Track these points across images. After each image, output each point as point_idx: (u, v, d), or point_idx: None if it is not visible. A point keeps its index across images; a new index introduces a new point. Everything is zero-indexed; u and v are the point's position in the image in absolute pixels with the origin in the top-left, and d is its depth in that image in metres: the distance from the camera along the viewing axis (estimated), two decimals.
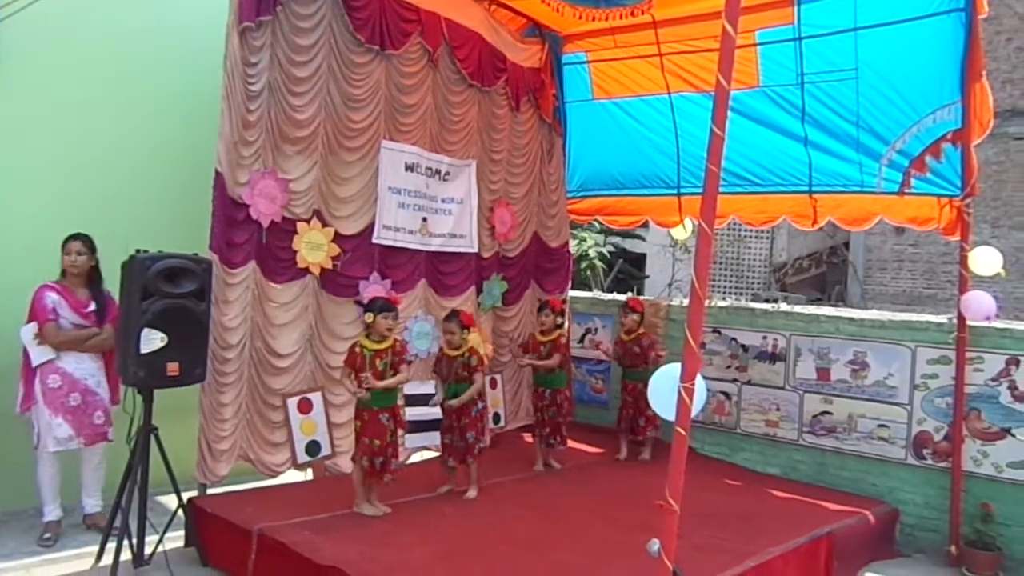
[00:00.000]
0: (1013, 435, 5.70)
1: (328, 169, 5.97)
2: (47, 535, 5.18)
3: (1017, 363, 5.83)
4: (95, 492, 5.35)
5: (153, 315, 4.46)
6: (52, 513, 5.25)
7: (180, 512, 4.87)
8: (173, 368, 4.57)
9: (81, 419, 5.14)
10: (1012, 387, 5.84)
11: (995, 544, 5.67)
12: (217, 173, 5.21)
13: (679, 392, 3.12)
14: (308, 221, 5.83)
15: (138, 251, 4.54)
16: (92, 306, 5.25)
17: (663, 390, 3.25)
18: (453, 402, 5.53)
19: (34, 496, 5.38)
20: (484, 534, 4.88)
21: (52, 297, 5.14)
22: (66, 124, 5.78)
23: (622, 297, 8.68)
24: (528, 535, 4.91)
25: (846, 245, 17.12)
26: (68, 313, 5.18)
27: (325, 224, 5.95)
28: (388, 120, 6.34)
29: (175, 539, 4.92)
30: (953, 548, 5.85)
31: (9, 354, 5.31)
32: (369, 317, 5.11)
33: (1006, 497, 5.79)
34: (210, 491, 5.27)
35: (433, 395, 5.86)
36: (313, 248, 5.87)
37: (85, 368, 5.23)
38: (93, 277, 5.31)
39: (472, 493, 5.65)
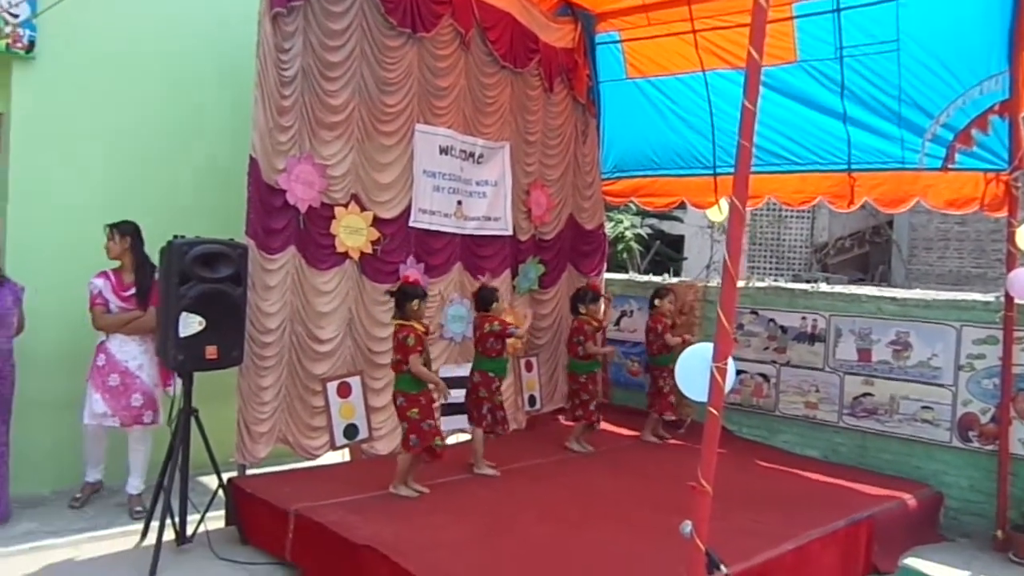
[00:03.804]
0: None
1: (365, 153, 5.99)
2: (78, 495, 5.48)
3: None
4: (136, 474, 5.49)
5: (191, 299, 4.54)
6: (89, 476, 5.55)
7: (220, 492, 4.96)
8: (211, 351, 4.65)
9: (118, 399, 5.28)
10: None
11: None
12: (252, 160, 5.25)
13: (711, 372, 3.08)
14: (346, 206, 5.87)
15: (176, 237, 4.62)
16: (132, 290, 5.36)
17: (690, 370, 3.21)
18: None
19: (80, 476, 5.63)
20: (518, 514, 4.90)
21: (97, 283, 5.31)
22: (105, 115, 5.88)
23: (658, 279, 8.63)
24: (562, 515, 4.92)
25: (890, 224, 16.77)
26: (112, 297, 5.33)
27: (363, 208, 5.98)
28: (422, 103, 6.35)
29: (216, 519, 5.01)
30: (999, 533, 5.72)
31: (65, 342, 5.50)
32: (416, 304, 5.14)
33: None
34: (249, 472, 5.36)
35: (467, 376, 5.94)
36: (352, 232, 5.91)
37: (128, 351, 5.35)
38: (139, 262, 5.43)
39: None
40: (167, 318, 4.57)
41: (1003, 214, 6.11)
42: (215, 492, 4.93)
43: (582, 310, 6.70)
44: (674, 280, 8.57)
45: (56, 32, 5.53)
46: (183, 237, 4.62)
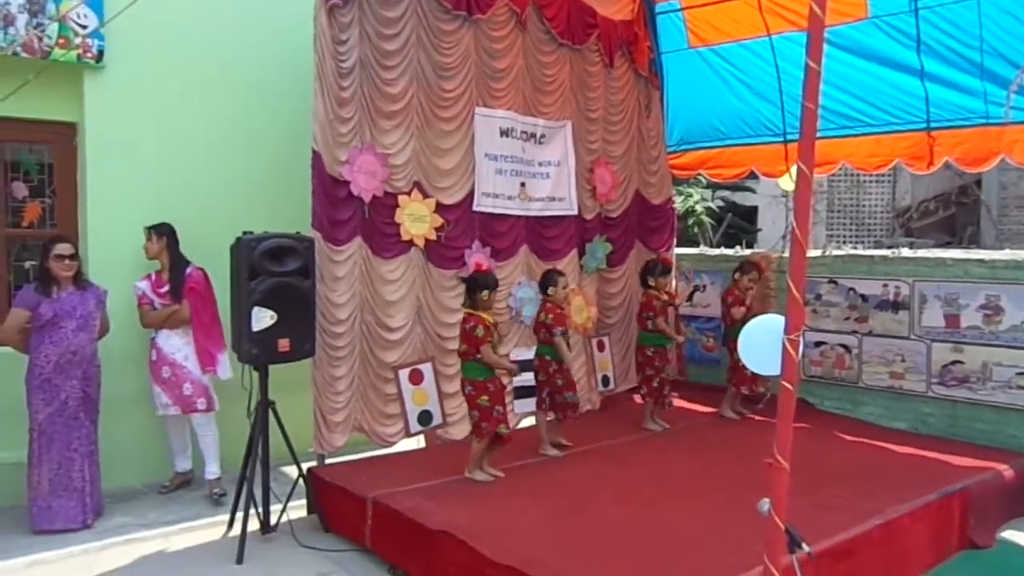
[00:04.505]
0: None
1: (425, 140, 6.00)
2: (166, 483, 5.83)
3: None
4: (210, 460, 5.74)
5: (262, 294, 4.64)
6: (177, 465, 5.89)
7: (301, 482, 5.08)
8: (284, 344, 4.75)
9: (174, 390, 5.57)
10: None
11: None
12: (315, 152, 5.31)
13: (781, 344, 2.96)
14: (409, 193, 5.89)
15: (244, 233, 4.71)
16: (167, 287, 5.60)
17: (753, 343, 3.09)
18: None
19: (171, 468, 5.91)
20: (594, 496, 4.86)
21: (141, 285, 5.63)
22: (173, 122, 6.04)
23: (730, 252, 8.43)
24: (637, 495, 4.87)
25: (978, 184, 16.00)
26: (153, 296, 5.62)
27: (426, 195, 6.00)
28: (480, 86, 6.31)
29: (298, 508, 5.14)
30: None
31: (128, 340, 5.71)
32: (485, 295, 5.13)
33: None
34: (328, 461, 5.47)
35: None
36: (416, 220, 5.93)
37: (172, 344, 5.61)
38: (174, 260, 5.67)
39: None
40: (239, 313, 4.68)
41: None
42: (296, 482, 5.05)
43: (651, 283, 6.60)
44: (747, 252, 8.36)
45: (123, 41, 5.70)
46: (251, 233, 4.71)
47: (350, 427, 5.58)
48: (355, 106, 5.54)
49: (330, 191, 5.42)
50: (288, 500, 4.93)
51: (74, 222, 5.93)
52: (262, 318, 4.64)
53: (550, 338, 5.70)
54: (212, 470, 5.72)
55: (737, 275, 6.94)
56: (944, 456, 5.74)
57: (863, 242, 15.90)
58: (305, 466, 5.16)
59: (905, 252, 7.02)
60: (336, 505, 5.02)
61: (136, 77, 5.87)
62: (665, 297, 6.64)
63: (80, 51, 5.54)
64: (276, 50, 6.39)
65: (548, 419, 5.86)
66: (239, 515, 4.73)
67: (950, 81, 6.33)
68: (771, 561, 2.99)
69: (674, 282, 7.15)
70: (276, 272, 4.72)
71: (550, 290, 5.79)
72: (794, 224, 3.00)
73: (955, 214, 16.93)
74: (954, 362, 6.38)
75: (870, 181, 17.09)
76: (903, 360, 6.68)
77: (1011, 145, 6.18)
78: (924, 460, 5.70)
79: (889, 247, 10.19)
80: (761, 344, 3.01)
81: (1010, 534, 5.22)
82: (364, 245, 5.66)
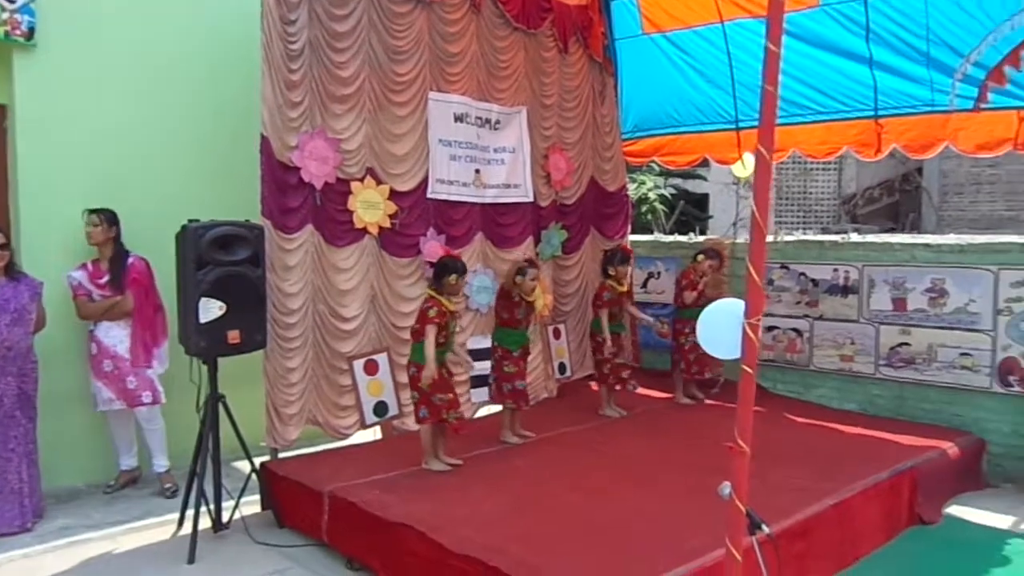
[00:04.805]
0: None
1: (378, 125, 5.88)
2: (111, 482, 5.62)
3: None
4: (158, 453, 5.59)
5: (209, 284, 4.50)
6: (122, 463, 5.69)
7: (254, 477, 4.96)
8: (234, 336, 4.62)
9: (117, 384, 5.39)
10: None
11: None
12: (263, 138, 5.17)
13: (741, 329, 2.96)
14: (362, 180, 5.78)
15: (190, 221, 4.56)
16: (107, 277, 5.40)
17: (713, 327, 3.08)
18: None
19: (116, 467, 5.70)
20: (554, 484, 4.84)
21: (76, 275, 5.39)
22: (110, 104, 5.78)
23: (684, 239, 8.48)
24: (598, 483, 4.86)
25: (919, 171, 16.40)
26: (91, 287, 5.40)
27: (379, 182, 5.89)
28: (434, 71, 6.21)
29: (251, 503, 5.02)
30: None
31: (66, 333, 5.48)
32: (453, 279, 5.06)
33: None
34: (281, 455, 5.35)
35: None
36: (369, 207, 5.82)
37: (114, 336, 5.42)
38: (118, 250, 5.47)
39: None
40: (186, 304, 4.53)
41: None
42: (248, 477, 4.94)
43: (610, 272, 6.58)
44: (701, 239, 8.41)
45: (57, 17, 5.42)
46: (197, 221, 4.56)
47: (304, 420, 5.47)
48: (305, 90, 5.40)
49: (280, 178, 5.29)
50: (241, 496, 4.81)
51: (4, 210, 5.63)
52: (210, 309, 4.51)
53: (509, 324, 5.66)
54: (161, 463, 5.58)
55: (700, 257, 6.96)
56: (893, 436, 5.86)
57: (811, 228, 16.20)
58: (258, 461, 5.04)
59: (854, 237, 7.14)
60: (291, 500, 4.91)
61: (71, 56, 5.57)
62: (621, 288, 6.62)
63: (8, 28, 5.24)
64: (224, 28, 6.17)
65: (503, 409, 5.84)
66: (189, 513, 4.59)
67: (897, 69, 6.42)
68: (732, 544, 3.00)
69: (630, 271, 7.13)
70: (225, 261, 4.59)
71: (517, 278, 5.75)
72: (754, 208, 2.99)
73: (898, 201, 17.33)
74: (901, 344, 6.52)
75: (817, 169, 17.40)
76: (853, 343, 6.81)
77: (955, 133, 6.30)
78: (874, 440, 5.81)
79: (836, 233, 10.38)
80: (721, 328, 3.00)
81: (955, 509, 5.36)
82: (316, 233, 5.54)
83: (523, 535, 3.97)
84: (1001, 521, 5.13)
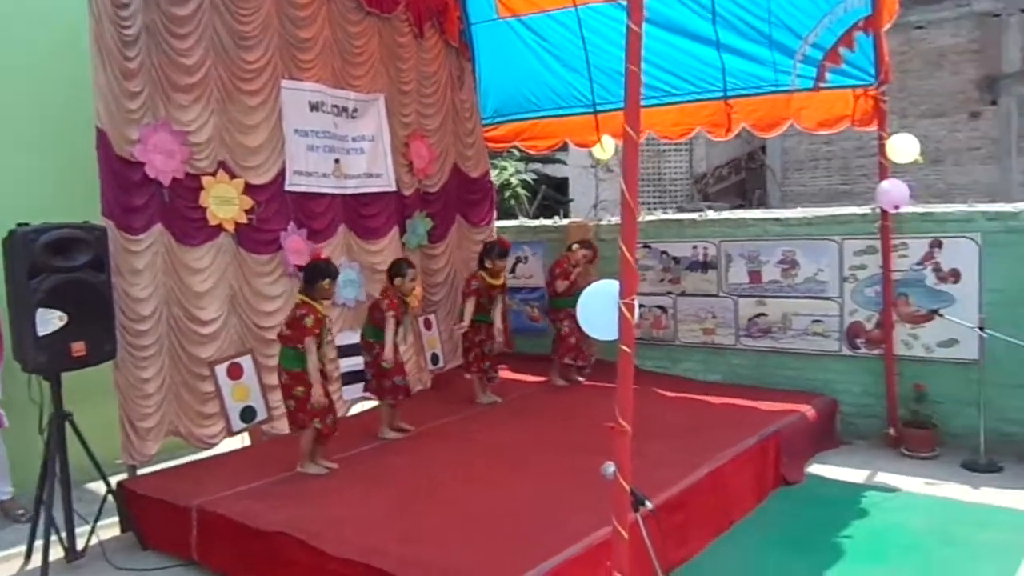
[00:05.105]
0: (940, 315, 5.81)
1: (228, 116, 5.58)
2: None
3: (940, 245, 5.92)
4: (1, 479, 5.11)
5: (45, 293, 4.09)
6: None
7: (110, 498, 4.59)
8: (79, 348, 4.23)
9: None
10: (936, 269, 5.94)
11: (930, 421, 5.85)
12: (99, 131, 4.78)
13: (617, 309, 2.97)
14: (214, 174, 5.46)
15: (19, 225, 4.14)
16: None
17: (593, 310, 3.08)
18: None
19: None
20: (435, 477, 4.75)
21: None
22: None
23: (550, 223, 8.55)
24: (479, 472, 4.82)
25: (763, 149, 17.31)
26: None
27: (233, 176, 5.58)
28: (285, 58, 5.95)
29: (110, 527, 4.68)
30: (891, 430, 6.02)
31: None
32: (327, 284, 4.92)
33: (937, 376, 5.95)
34: (141, 472, 5.00)
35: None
36: (223, 203, 5.51)
37: None
38: None
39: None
40: (19, 317, 4.12)
41: (873, 128, 6.30)
42: (104, 498, 4.56)
43: (488, 264, 6.50)
44: (566, 222, 8.50)
45: None
46: (27, 225, 4.15)
47: (164, 432, 5.14)
48: (144, 79, 5.03)
49: (121, 174, 4.91)
50: (97, 520, 4.45)
51: None
52: (49, 320, 4.11)
53: (382, 322, 5.51)
54: (5, 490, 5.10)
55: (575, 247, 6.99)
56: (756, 403, 6.13)
57: (666, 208, 16.76)
58: (114, 480, 4.68)
59: (711, 215, 7.40)
60: (154, 519, 4.59)
61: None
62: (496, 281, 6.55)
63: None
64: (51, 12, 5.63)
65: (381, 405, 5.70)
66: (39, 543, 4.20)
67: (743, 51, 6.68)
68: (619, 522, 3.03)
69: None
70: (62, 267, 4.19)
71: (396, 280, 5.59)
72: (624, 189, 3.00)
73: (745, 178, 18.24)
74: (759, 315, 6.83)
75: (669, 150, 18.04)
76: (714, 317, 7.07)
77: (798, 111, 6.64)
78: (739, 408, 6.06)
79: (690, 211, 10.79)
80: (599, 310, 3.01)
81: (815, 468, 5.67)
82: (166, 232, 5.19)
83: (407, 533, 3.87)
84: (857, 476, 5.46)
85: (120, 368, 4.86)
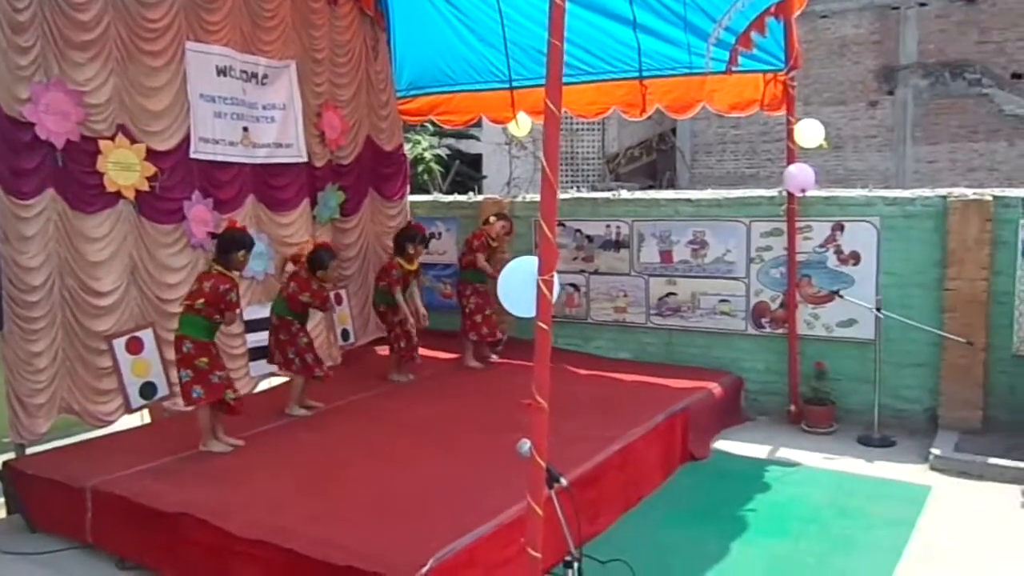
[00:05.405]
0: (840, 296, 6.04)
1: (129, 77, 5.31)
2: None
3: (842, 228, 6.15)
4: None
5: None
6: None
7: None
8: None
9: None
10: (838, 251, 6.18)
11: (829, 398, 6.11)
12: None
13: (537, 286, 2.95)
14: (112, 138, 5.20)
15: None
16: None
17: (514, 286, 3.05)
18: None
19: None
20: (346, 455, 4.68)
21: None
22: None
23: (464, 199, 8.47)
24: (392, 450, 4.75)
25: (673, 131, 17.62)
26: None
27: (134, 140, 5.32)
28: (190, 18, 5.68)
29: None
30: (792, 407, 6.26)
31: None
32: (242, 255, 4.77)
33: (836, 354, 6.21)
34: (30, 451, 4.74)
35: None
36: (122, 168, 5.24)
37: None
38: None
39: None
40: None
41: (781, 112, 6.47)
42: None
43: (410, 250, 6.40)
44: (480, 198, 8.45)
45: None
46: None
47: (56, 409, 4.89)
48: (36, 33, 4.72)
49: (9, 135, 4.62)
50: None
51: None
52: None
53: (300, 309, 5.42)
54: None
55: (492, 218, 6.93)
56: (664, 380, 6.27)
57: (578, 187, 16.91)
58: (0, 459, 4.41)
59: (624, 194, 7.48)
60: (45, 500, 4.37)
61: None
62: (412, 267, 6.46)
63: None
64: None
65: (295, 380, 5.56)
66: None
67: (659, 32, 6.72)
68: (534, 499, 3.02)
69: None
70: None
71: (319, 273, 5.47)
72: (544, 165, 2.97)
73: (656, 160, 18.55)
74: (668, 294, 6.96)
75: (582, 129, 18.16)
76: (625, 295, 7.17)
77: (711, 94, 6.76)
78: (648, 386, 6.18)
79: (603, 191, 10.89)
80: (518, 287, 2.97)
81: (721, 444, 5.84)
82: (59, 198, 4.91)
83: (318, 512, 3.79)
84: (760, 451, 5.66)
85: (7, 341, 4.60)
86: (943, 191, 5.92)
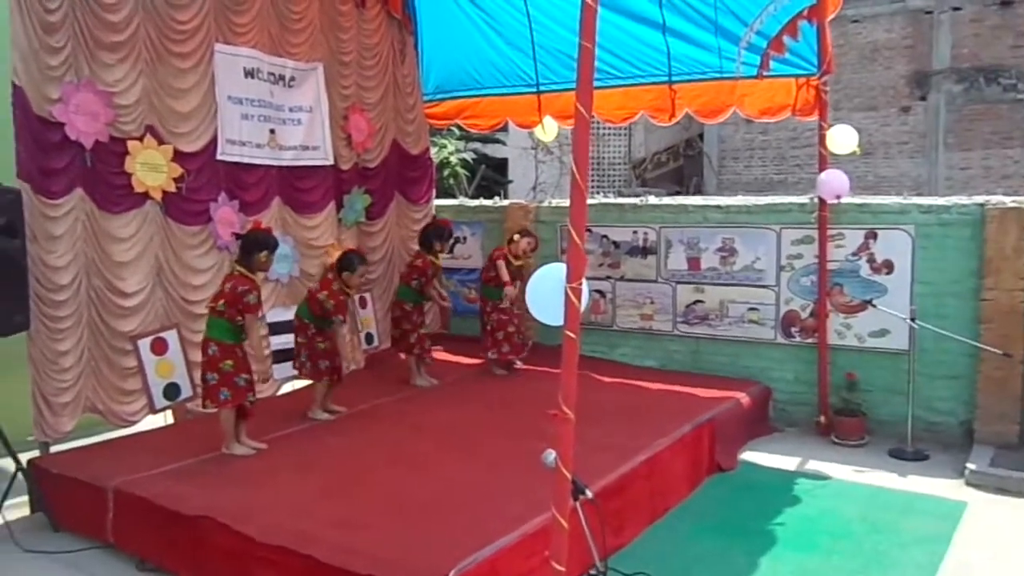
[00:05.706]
0: (873, 306, 5.91)
1: (158, 79, 5.33)
2: None
3: (875, 236, 6.02)
4: None
5: None
6: None
7: (20, 476, 4.35)
8: None
9: None
10: (871, 260, 6.05)
11: (860, 409, 5.97)
12: (16, 87, 4.51)
13: (565, 293, 2.89)
14: (141, 139, 5.21)
15: None
16: None
17: (543, 294, 2.99)
18: None
19: None
20: (369, 460, 4.63)
21: None
22: None
23: (490, 203, 8.43)
24: (416, 456, 4.70)
25: (700, 137, 17.45)
26: None
27: (161, 141, 5.34)
28: (219, 20, 5.70)
29: (18, 507, 4.46)
30: (822, 418, 6.13)
31: None
32: (264, 256, 4.73)
33: (868, 365, 6.08)
34: (54, 449, 4.76)
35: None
36: (150, 169, 5.26)
37: None
38: None
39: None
40: None
41: (813, 118, 6.36)
42: (13, 477, 4.36)
43: (438, 247, 6.41)
44: (505, 203, 8.39)
45: None
46: None
47: (81, 408, 4.90)
48: (67, 33, 4.75)
49: (40, 134, 4.63)
50: (4, 499, 4.24)
51: None
52: None
53: (324, 315, 5.38)
54: None
55: (517, 236, 6.79)
56: (691, 389, 6.17)
57: (605, 192, 16.78)
58: (25, 457, 4.43)
59: (652, 200, 7.39)
60: (68, 499, 4.37)
61: None
62: (439, 265, 6.49)
63: None
64: None
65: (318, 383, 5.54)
66: None
67: (689, 36, 6.66)
68: (559, 512, 2.96)
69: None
70: None
71: (345, 274, 5.44)
72: (574, 169, 2.91)
73: (683, 165, 18.39)
74: (696, 302, 6.86)
75: (609, 134, 18.04)
76: (652, 302, 7.08)
77: (741, 98, 6.66)
78: (675, 394, 6.08)
79: (629, 197, 10.80)
80: (546, 294, 2.92)
81: (748, 455, 5.73)
82: (87, 198, 4.93)
83: (340, 518, 3.75)
84: (788, 463, 5.54)
85: (34, 340, 4.61)
86: (980, 199, 5.78)
